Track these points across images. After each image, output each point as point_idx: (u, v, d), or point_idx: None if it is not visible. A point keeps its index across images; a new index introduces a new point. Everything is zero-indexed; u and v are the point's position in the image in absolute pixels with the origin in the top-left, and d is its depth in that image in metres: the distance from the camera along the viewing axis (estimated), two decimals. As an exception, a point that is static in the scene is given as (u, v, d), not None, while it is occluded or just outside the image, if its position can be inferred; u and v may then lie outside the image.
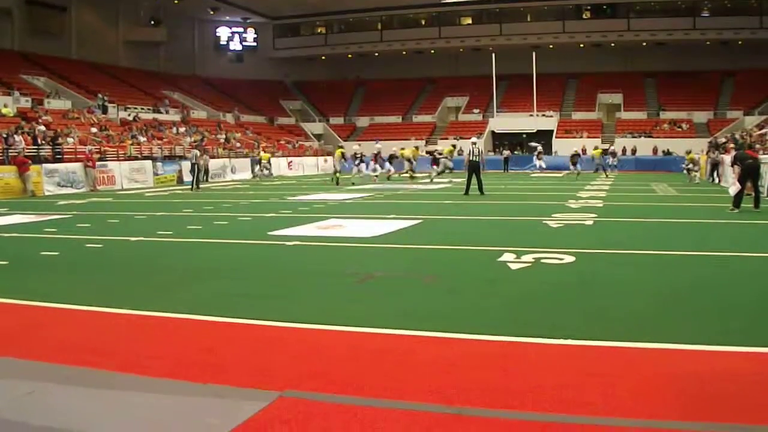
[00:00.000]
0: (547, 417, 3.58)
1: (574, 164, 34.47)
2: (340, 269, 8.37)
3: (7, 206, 18.55)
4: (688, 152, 28.94)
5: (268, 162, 35.67)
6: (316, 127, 55.21)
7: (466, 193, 20.28)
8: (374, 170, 30.12)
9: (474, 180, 20.36)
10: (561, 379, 4.15)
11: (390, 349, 4.92)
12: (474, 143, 20.97)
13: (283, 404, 3.80)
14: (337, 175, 28.91)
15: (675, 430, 3.41)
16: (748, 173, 14.68)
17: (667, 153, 42.65)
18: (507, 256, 8.72)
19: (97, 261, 9.37)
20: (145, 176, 29.58)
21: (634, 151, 43.97)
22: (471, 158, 20.74)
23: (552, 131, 48.18)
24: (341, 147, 30.87)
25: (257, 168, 35.39)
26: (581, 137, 45.79)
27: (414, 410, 3.70)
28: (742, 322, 5.55)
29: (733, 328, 5.32)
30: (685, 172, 28.38)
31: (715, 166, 26.94)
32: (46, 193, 23.97)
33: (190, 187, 26.68)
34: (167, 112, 43.06)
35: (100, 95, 38.38)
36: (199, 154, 28.28)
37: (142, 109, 40.99)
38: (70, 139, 29.25)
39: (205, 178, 29.83)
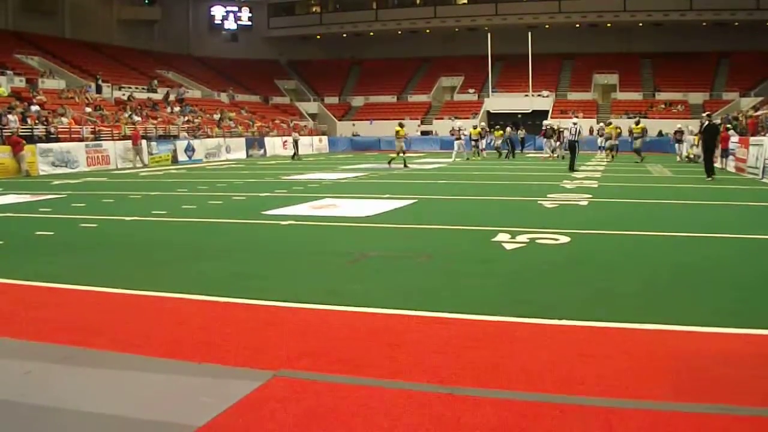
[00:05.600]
0: (540, 397, 3.61)
1: (607, 140, 30.79)
2: (334, 249, 8.39)
3: (1, 186, 18.47)
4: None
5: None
6: (310, 106, 54.84)
7: (571, 169, 21.90)
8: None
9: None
10: (554, 359, 4.18)
11: (383, 329, 4.94)
12: (575, 123, 23.39)
13: (278, 383, 3.83)
14: (402, 155, 24.96)
15: (668, 411, 3.43)
16: (708, 136, 18.11)
17: (660, 134, 42.54)
18: (502, 236, 8.74)
19: (91, 241, 9.37)
20: (140, 156, 29.41)
21: (629, 132, 43.82)
22: (571, 138, 23.02)
23: (547, 111, 48.03)
24: (402, 125, 25.54)
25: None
26: (576, 117, 45.61)
27: (407, 389, 3.73)
28: (736, 303, 5.59)
29: (727, 310, 5.36)
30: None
31: None
32: (41, 173, 23.88)
33: (293, 157, 33.35)
34: (181, 99, 42.75)
35: (155, 81, 40.60)
36: (298, 134, 35.99)
37: (137, 88, 40.75)
38: (64, 119, 29.08)
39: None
